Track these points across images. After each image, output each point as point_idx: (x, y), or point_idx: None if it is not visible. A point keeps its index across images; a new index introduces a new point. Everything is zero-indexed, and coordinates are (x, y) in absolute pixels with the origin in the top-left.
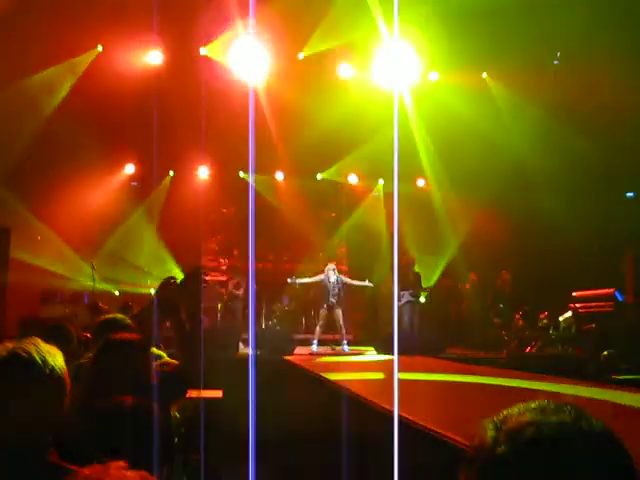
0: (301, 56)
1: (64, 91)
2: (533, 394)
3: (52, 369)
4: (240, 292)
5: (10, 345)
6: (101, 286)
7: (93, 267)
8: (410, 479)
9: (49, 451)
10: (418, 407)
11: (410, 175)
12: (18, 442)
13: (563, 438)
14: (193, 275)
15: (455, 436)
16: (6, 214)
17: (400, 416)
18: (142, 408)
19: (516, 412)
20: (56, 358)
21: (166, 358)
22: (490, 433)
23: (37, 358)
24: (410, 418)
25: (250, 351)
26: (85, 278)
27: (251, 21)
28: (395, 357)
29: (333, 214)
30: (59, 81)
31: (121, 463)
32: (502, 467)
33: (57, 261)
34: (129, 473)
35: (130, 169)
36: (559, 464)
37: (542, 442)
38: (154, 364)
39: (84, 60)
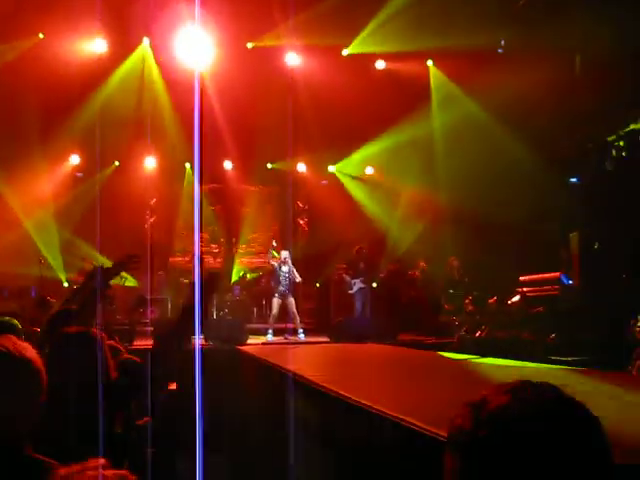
0: (250, 46)
1: None
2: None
3: (31, 364)
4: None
5: None
6: (50, 275)
7: (41, 262)
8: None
9: (26, 445)
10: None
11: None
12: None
13: (544, 420)
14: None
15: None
16: None
17: (357, 401)
18: None
19: (494, 393)
20: (33, 353)
21: (126, 354)
22: (471, 415)
23: (16, 353)
24: (365, 402)
25: (197, 342)
26: (31, 271)
27: (197, 9)
28: None
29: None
30: None
31: (100, 461)
32: (484, 450)
33: (1, 255)
34: (107, 472)
35: (75, 160)
36: (540, 446)
37: (522, 424)
38: (115, 358)
39: (22, 45)
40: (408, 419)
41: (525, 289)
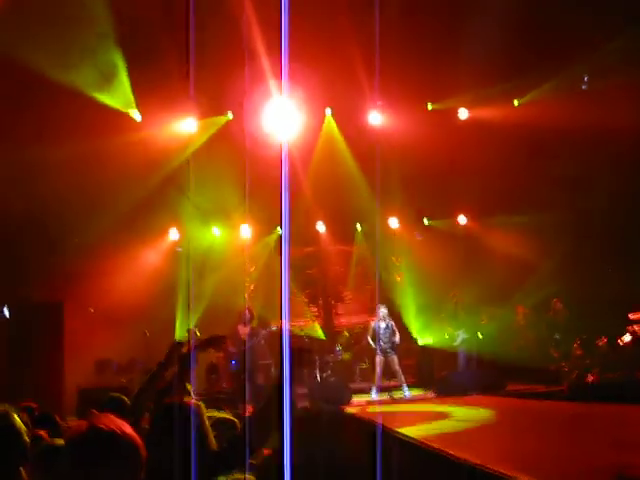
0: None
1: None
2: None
3: (131, 440)
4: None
5: (85, 422)
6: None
7: (146, 334)
8: None
9: None
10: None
11: (449, 212)
12: None
13: None
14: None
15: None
16: (59, 288)
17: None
18: None
19: None
20: (131, 430)
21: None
22: None
23: (117, 431)
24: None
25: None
26: (138, 345)
27: (284, 81)
28: None
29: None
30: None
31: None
32: None
33: (110, 331)
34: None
35: (174, 235)
36: None
37: None
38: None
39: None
40: (515, 475)
41: (636, 327)
